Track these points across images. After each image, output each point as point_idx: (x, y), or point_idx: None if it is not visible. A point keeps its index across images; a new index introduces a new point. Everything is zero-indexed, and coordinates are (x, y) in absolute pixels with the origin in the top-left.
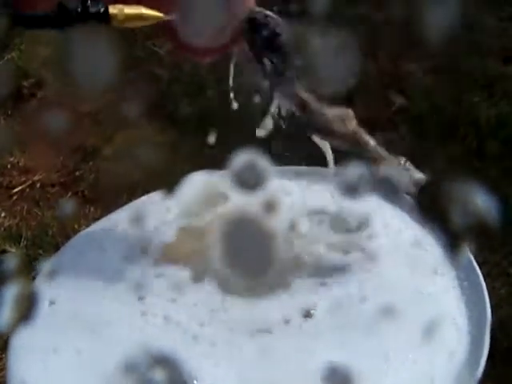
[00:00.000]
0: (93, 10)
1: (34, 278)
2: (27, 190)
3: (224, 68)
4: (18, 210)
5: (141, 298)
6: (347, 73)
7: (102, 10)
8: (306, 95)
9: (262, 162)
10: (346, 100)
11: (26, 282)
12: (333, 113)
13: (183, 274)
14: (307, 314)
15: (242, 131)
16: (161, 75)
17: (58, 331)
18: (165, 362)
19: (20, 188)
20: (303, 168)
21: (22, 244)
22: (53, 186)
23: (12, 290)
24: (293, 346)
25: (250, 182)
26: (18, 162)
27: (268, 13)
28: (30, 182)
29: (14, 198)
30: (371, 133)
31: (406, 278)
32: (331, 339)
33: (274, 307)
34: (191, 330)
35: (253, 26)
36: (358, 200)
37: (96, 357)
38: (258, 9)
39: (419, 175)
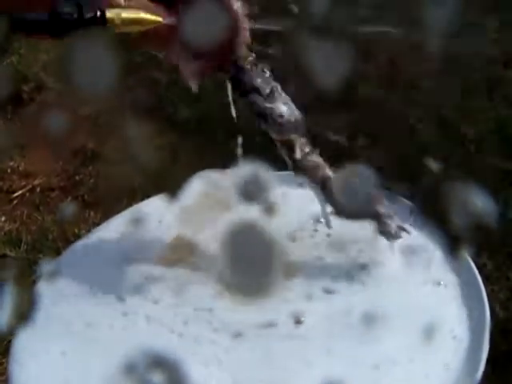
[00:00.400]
0: (89, 15)
1: (34, 282)
2: (27, 194)
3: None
4: (18, 215)
5: (123, 300)
6: (345, 77)
7: (98, 14)
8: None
9: (264, 170)
10: (346, 102)
11: (26, 286)
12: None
13: (179, 276)
14: (297, 321)
15: (242, 134)
16: (159, 79)
17: (48, 334)
18: (156, 363)
19: (20, 192)
20: None
21: (22, 248)
22: (53, 190)
23: (12, 294)
24: (283, 350)
25: (251, 190)
26: (18, 167)
27: (256, 79)
28: (30, 186)
29: (14, 202)
30: (371, 134)
31: (405, 287)
32: (322, 346)
33: (262, 311)
34: (176, 328)
35: (240, 89)
36: (357, 207)
37: (81, 358)
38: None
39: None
